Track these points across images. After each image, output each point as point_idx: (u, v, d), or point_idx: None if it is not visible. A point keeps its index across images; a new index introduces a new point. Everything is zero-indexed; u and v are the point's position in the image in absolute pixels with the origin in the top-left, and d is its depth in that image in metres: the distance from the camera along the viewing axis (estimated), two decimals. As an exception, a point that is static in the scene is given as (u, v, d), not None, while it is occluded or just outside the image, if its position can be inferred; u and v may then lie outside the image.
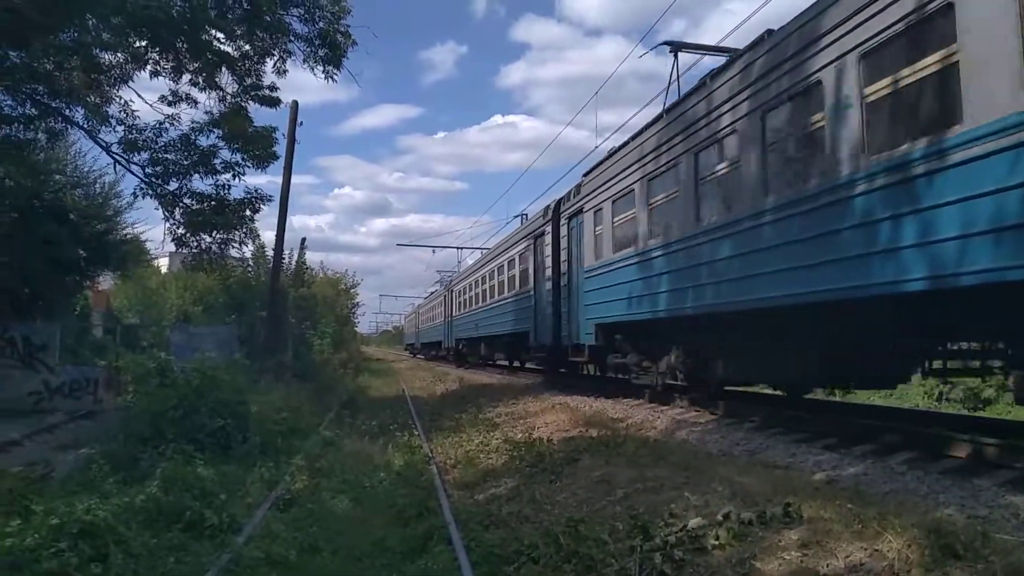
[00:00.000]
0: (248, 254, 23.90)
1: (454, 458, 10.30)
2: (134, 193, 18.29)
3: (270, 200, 18.79)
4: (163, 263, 39.28)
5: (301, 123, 21.68)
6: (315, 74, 16.56)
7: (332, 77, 16.52)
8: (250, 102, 17.35)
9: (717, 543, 4.50)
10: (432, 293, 54.08)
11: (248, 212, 17.93)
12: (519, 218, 33.69)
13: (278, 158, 18.44)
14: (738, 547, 4.40)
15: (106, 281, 28.74)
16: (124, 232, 22.94)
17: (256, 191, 18.27)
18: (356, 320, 57.70)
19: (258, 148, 17.13)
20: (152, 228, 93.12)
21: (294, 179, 24.16)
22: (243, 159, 17.12)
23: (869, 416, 9.80)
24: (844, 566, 3.84)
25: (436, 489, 8.20)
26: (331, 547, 6.35)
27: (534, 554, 5.36)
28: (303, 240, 33.39)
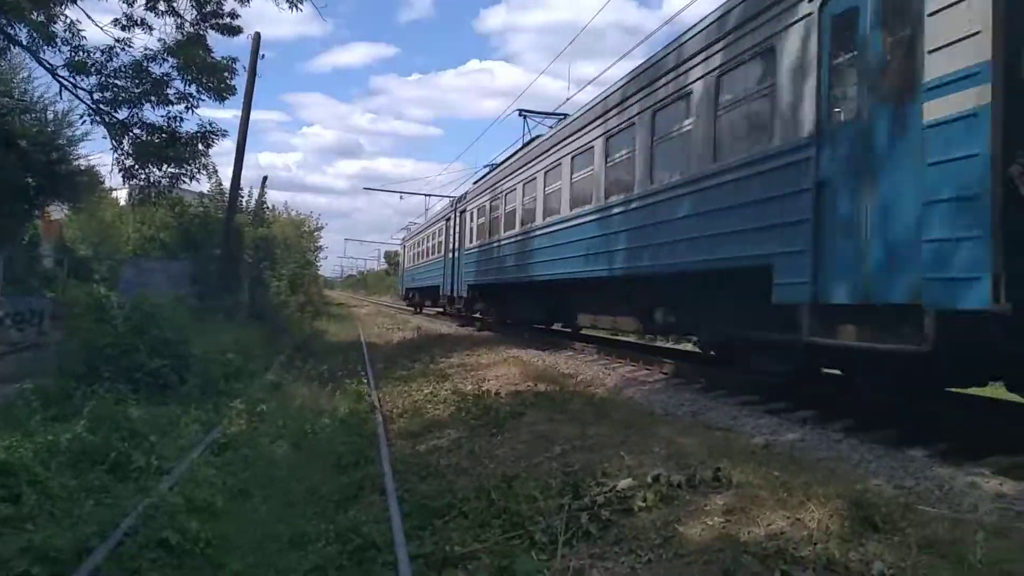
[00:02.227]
0: (204, 188, 23.19)
1: (401, 407, 10.21)
2: (81, 117, 17.52)
3: (225, 134, 18.05)
4: (122, 195, 38.02)
5: (263, 56, 21.00)
6: (278, 4, 15.88)
7: (296, 6, 15.84)
8: (209, 31, 16.61)
9: (644, 505, 4.46)
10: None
11: (201, 146, 17.25)
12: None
13: (235, 92, 17.74)
14: (664, 510, 4.36)
15: (59, 211, 27.80)
16: (78, 163, 22.14)
17: (210, 124, 17.48)
18: (319, 263, 56.77)
19: (215, 79, 16.42)
20: (101, 155, 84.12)
21: (261, 115, 23.57)
22: (199, 90, 16.43)
23: (823, 383, 9.82)
24: (765, 534, 3.82)
25: (378, 438, 8.11)
26: (262, 493, 6.23)
27: (465, 508, 5.31)
28: (264, 178, 32.67)
